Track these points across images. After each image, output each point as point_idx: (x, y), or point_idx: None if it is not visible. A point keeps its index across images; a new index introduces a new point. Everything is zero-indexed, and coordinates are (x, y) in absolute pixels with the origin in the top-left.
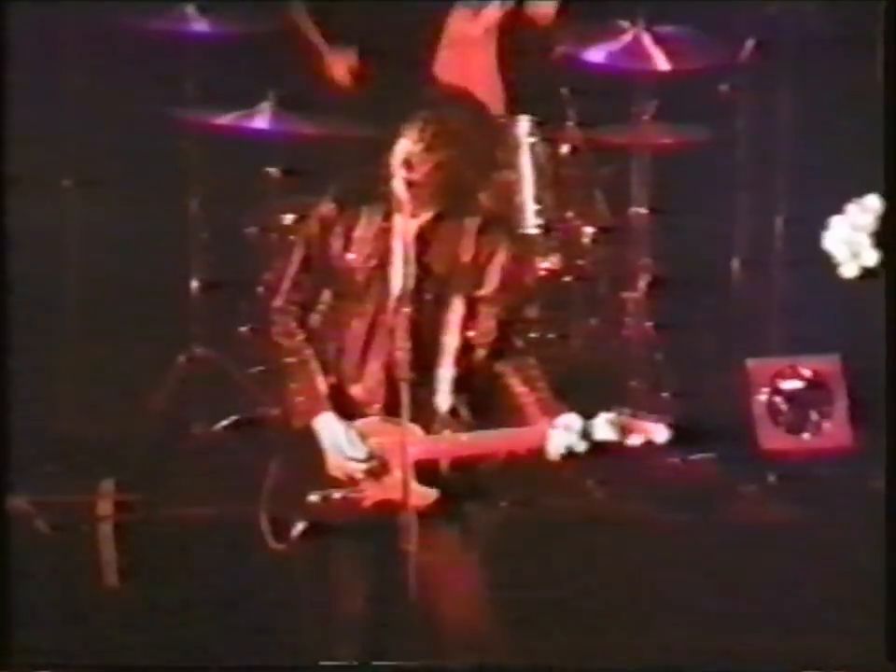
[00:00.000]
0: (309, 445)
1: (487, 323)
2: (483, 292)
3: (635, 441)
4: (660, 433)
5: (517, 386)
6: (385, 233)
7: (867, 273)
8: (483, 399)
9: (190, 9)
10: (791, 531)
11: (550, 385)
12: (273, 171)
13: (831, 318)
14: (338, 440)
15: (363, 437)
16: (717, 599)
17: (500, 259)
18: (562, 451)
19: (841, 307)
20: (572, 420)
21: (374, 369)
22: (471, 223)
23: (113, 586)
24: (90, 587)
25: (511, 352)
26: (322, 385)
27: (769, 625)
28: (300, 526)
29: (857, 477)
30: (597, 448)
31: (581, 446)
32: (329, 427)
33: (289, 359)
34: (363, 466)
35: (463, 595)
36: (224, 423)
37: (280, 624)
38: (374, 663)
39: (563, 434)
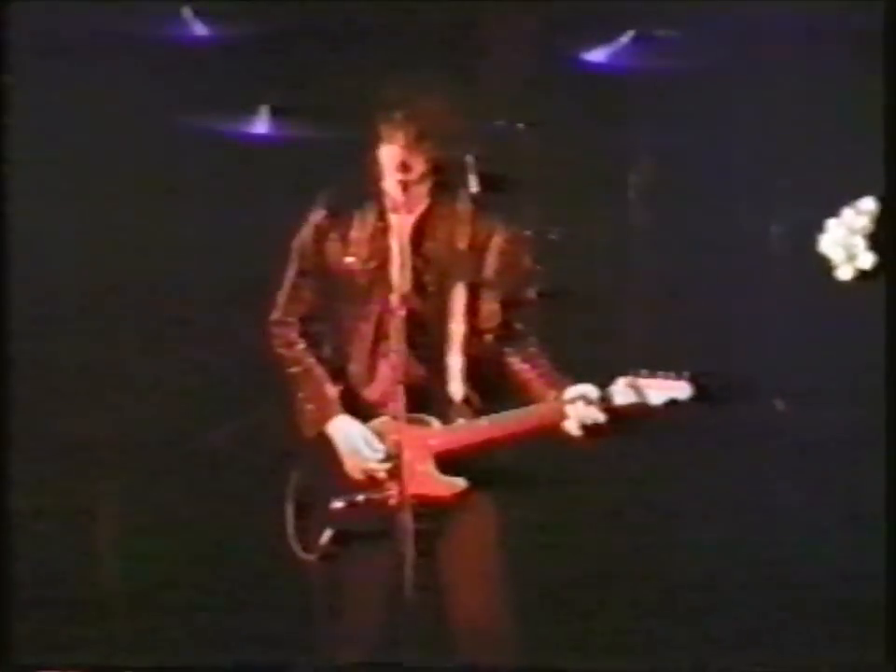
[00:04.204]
0: (323, 451)
1: (490, 307)
2: (483, 276)
3: (658, 399)
4: (682, 390)
5: (517, 364)
6: (381, 233)
7: (863, 276)
8: (493, 384)
9: (188, 12)
10: (791, 531)
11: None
12: (273, 174)
13: (828, 320)
14: (355, 442)
15: (379, 436)
16: (717, 600)
17: (497, 241)
18: (582, 424)
19: (838, 309)
20: (588, 389)
21: (385, 369)
22: (464, 209)
23: (113, 586)
24: (90, 587)
25: (512, 334)
26: (331, 389)
27: (769, 625)
28: (327, 535)
29: (857, 476)
30: (618, 418)
31: (601, 417)
32: (343, 431)
33: (293, 369)
34: (383, 466)
35: (488, 587)
36: (226, 427)
37: (282, 624)
38: (385, 661)
39: (581, 406)
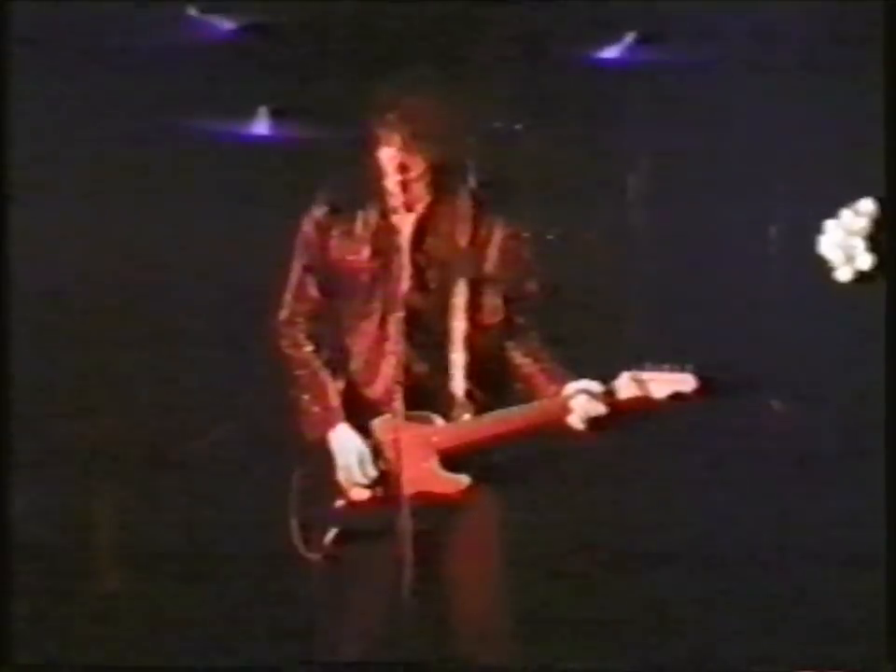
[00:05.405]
0: (327, 451)
1: (492, 302)
2: (484, 272)
3: (662, 392)
4: (686, 383)
5: (519, 359)
6: (384, 231)
7: (862, 277)
8: (495, 380)
9: (187, 13)
10: (791, 530)
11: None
12: (273, 174)
13: (828, 322)
14: (348, 460)
15: (381, 433)
16: (717, 599)
17: (498, 237)
18: (586, 418)
19: (837, 311)
20: (590, 384)
21: (387, 367)
22: (465, 206)
23: (113, 588)
24: (89, 588)
25: (514, 329)
26: (335, 395)
27: (769, 625)
28: (332, 533)
29: (856, 476)
30: (622, 412)
31: (601, 409)
32: (341, 444)
33: (300, 371)
34: (368, 490)
35: (490, 585)
36: (226, 428)
37: (284, 624)
38: (384, 660)
39: (585, 400)
